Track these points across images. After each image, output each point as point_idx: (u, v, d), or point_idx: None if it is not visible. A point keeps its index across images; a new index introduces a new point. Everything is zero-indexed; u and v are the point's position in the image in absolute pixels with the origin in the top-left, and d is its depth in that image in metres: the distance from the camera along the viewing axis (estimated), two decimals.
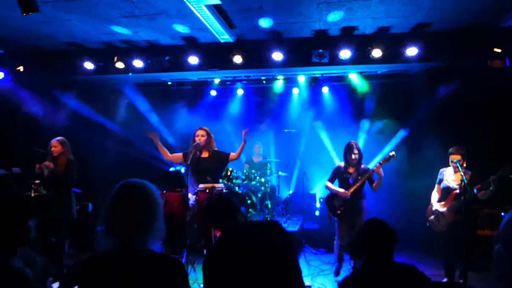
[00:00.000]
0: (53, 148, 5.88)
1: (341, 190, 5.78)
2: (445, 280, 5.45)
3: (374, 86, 8.71)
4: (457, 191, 5.29)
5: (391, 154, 5.71)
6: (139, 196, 2.09)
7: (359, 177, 5.71)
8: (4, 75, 7.58)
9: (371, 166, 5.77)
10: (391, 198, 7.80)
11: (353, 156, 5.75)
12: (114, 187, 2.13)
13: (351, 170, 5.84)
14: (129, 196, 2.09)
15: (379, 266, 2.48)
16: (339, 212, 5.83)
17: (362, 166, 5.86)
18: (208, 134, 5.95)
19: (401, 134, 8.46)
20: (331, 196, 5.97)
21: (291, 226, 7.73)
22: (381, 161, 5.67)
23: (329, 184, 5.96)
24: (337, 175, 5.97)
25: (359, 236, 2.60)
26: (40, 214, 5.58)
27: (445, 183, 5.49)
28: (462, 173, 5.06)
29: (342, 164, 5.97)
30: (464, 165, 5.28)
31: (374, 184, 5.69)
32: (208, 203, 2.91)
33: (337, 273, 5.95)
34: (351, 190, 5.71)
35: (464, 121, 7.26)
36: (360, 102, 9.03)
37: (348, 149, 5.83)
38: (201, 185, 5.68)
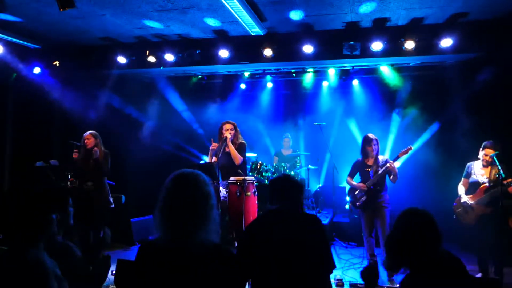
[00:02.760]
0: (86, 141, 6.07)
1: (360, 184, 5.83)
2: (479, 275, 5.36)
3: (406, 79, 8.57)
4: (487, 184, 5.21)
5: (408, 147, 5.72)
6: (196, 186, 2.08)
7: (379, 169, 5.68)
8: (41, 69, 7.81)
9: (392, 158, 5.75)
10: (423, 192, 7.69)
11: (371, 149, 5.74)
12: (168, 178, 2.12)
13: (370, 162, 5.83)
14: (186, 186, 2.08)
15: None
16: (358, 204, 5.86)
17: (381, 157, 5.83)
18: (235, 128, 5.99)
19: (433, 127, 8.29)
20: (353, 188, 6.01)
21: (321, 219, 7.69)
22: (398, 154, 5.68)
23: (350, 180, 6.02)
24: (357, 168, 5.99)
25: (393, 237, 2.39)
26: (78, 204, 5.76)
27: (474, 177, 5.41)
28: (499, 167, 4.94)
29: (360, 158, 5.98)
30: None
31: (391, 177, 5.68)
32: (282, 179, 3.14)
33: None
34: (371, 183, 5.70)
35: (499, 114, 7.06)
36: (392, 94, 8.90)
37: (365, 142, 5.82)
38: (232, 178, 5.73)
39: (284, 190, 3.03)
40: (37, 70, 7.80)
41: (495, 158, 5.06)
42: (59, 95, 7.95)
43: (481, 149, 5.39)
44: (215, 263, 2.02)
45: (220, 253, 2.06)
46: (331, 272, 2.87)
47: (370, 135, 5.81)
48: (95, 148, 5.99)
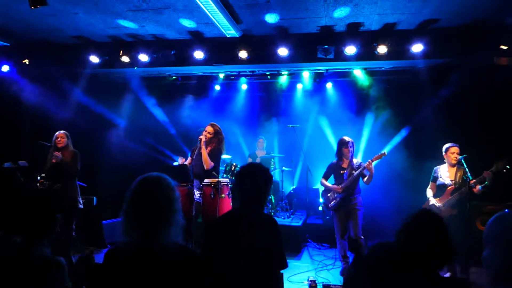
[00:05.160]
0: (59, 139, 6.01)
1: (335, 186, 5.92)
2: (447, 274, 5.51)
3: (378, 82, 8.73)
4: (453, 186, 5.39)
5: (382, 152, 5.82)
6: (160, 191, 2.09)
7: (353, 172, 5.77)
8: (10, 68, 7.61)
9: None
10: (394, 194, 7.83)
11: (347, 151, 5.83)
12: (134, 181, 2.12)
13: (344, 165, 5.93)
14: (151, 190, 2.08)
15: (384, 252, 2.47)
16: (331, 205, 5.97)
17: (355, 160, 5.94)
18: (216, 134, 5.92)
19: (405, 130, 8.47)
20: (326, 190, 6.10)
21: (295, 221, 7.76)
22: (372, 158, 5.75)
23: (324, 181, 6.10)
24: (332, 170, 6.08)
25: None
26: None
27: (441, 180, 5.58)
28: (467, 169, 5.12)
29: (334, 160, 6.07)
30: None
31: (365, 179, 5.79)
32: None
33: (344, 273, 5.96)
34: (345, 185, 5.78)
35: (467, 118, 7.29)
36: (365, 98, 9.05)
37: (341, 144, 5.91)
38: (206, 180, 5.71)
39: (247, 187, 2.84)
40: (5, 68, 7.59)
41: (463, 161, 5.24)
42: (28, 94, 7.75)
43: (444, 152, 5.58)
44: (180, 264, 2.04)
45: (185, 254, 2.08)
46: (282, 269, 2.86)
47: (346, 137, 5.89)
48: (56, 152, 5.91)
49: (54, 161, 5.92)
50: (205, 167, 5.78)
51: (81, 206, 6.17)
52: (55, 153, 5.92)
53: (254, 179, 2.83)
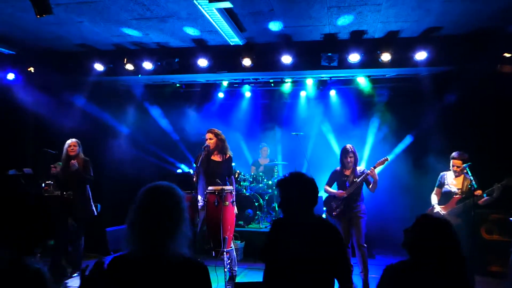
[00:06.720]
0: (72, 147, 6.05)
1: (338, 191, 5.86)
2: None
3: (382, 90, 8.72)
4: (459, 195, 5.35)
5: (385, 158, 5.76)
6: (171, 200, 2.07)
7: (356, 180, 5.74)
8: (15, 75, 7.65)
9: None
10: (397, 201, 7.81)
11: (348, 159, 5.79)
12: (142, 190, 2.09)
13: (347, 173, 5.88)
14: (161, 200, 2.06)
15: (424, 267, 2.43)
16: (335, 213, 5.89)
17: (358, 168, 5.90)
18: (216, 136, 5.92)
19: (408, 137, 8.45)
20: (329, 198, 6.05)
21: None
22: (375, 165, 5.70)
23: (327, 188, 6.04)
24: (335, 178, 6.02)
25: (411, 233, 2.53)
26: (60, 214, 5.75)
27: (447, 187, 5.55)
28: (471, 178, 5.09)
29: (338, 168, 6.02)
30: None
31: (370, 186, 5.73)
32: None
33: None
34: (348, 193, 5.76)
35: (470, 126, 7.27)
36: (368, 105, 9.05)
37: (343, 153, 5.87)
38: (210, 187, 5.69)
39: (294, 200, 2.89)
40: (11, 76, 7.63)
41: (467, 169, 5.21)
42: (33, 102, 7.78)
43: (450, 159, 5.56)
44: (186, 277, 2.01)
45: (191, 266, 2.05)
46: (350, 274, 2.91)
47: (348, 146, 5.85)
48: (72, 161, 5.92)
49: (71, 169, 5.93)
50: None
51: (95, 214, 6.25)
52: (72, 162, 5.93)
53: (306, 187, 2.90)
